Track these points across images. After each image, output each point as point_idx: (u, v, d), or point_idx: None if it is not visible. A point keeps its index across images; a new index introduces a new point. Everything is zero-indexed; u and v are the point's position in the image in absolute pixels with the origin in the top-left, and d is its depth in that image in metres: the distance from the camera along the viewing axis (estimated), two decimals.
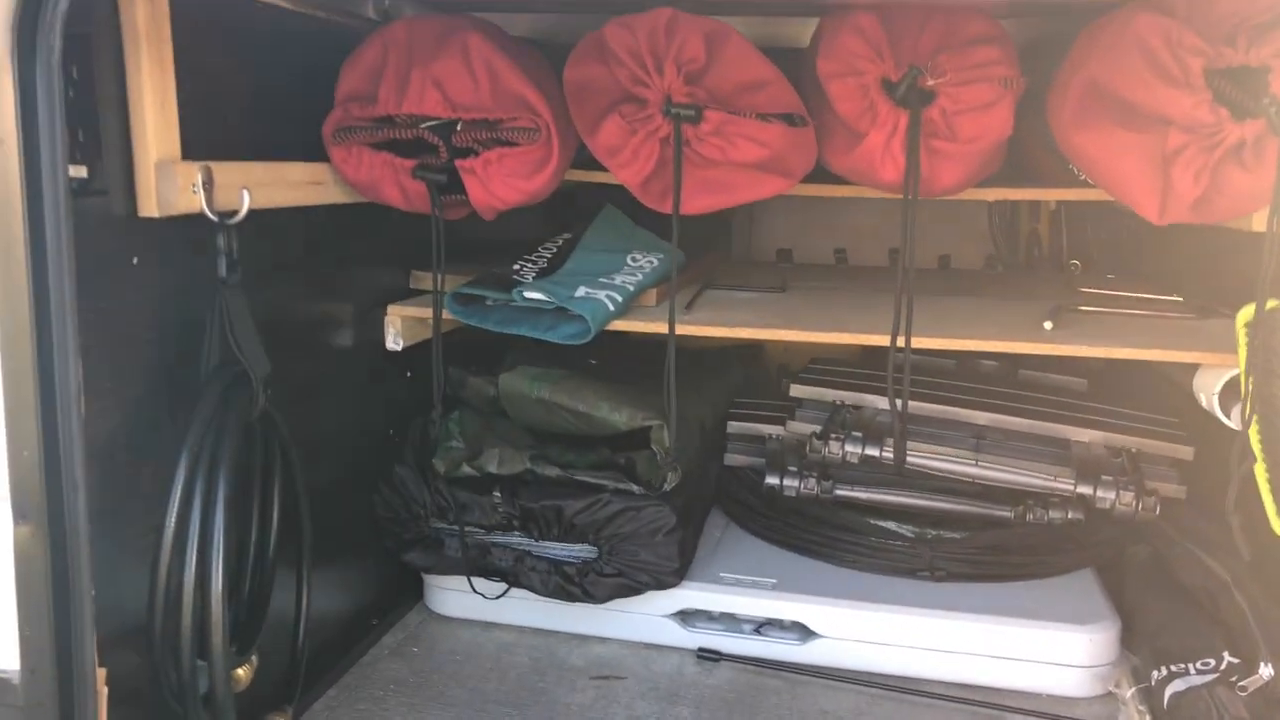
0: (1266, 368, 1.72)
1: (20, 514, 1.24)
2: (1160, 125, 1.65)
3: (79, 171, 1.45)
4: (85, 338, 1.39)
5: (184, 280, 1.67)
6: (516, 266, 2.40)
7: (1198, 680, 1.86)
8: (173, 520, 1.51)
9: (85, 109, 1.47)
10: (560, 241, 2.58)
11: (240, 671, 1.73)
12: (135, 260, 1.59)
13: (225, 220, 1.64)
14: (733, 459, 2.73)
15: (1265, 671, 1.76)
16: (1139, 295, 2.57)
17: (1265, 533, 1.81)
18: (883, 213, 3.24)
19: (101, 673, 1.34)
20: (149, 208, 1.57)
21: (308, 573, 1.95)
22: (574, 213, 2.75)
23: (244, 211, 1.66)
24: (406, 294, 2.43)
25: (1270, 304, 1.71)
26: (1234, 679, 1.81)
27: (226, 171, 1.67)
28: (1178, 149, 1.63)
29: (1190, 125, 1.60)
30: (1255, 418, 1.78)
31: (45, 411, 1.25)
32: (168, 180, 1.57)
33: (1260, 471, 1.80)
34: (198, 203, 1.60)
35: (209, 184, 1.62)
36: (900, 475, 2.45)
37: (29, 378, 1.23)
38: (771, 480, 2.50)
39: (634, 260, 2.49)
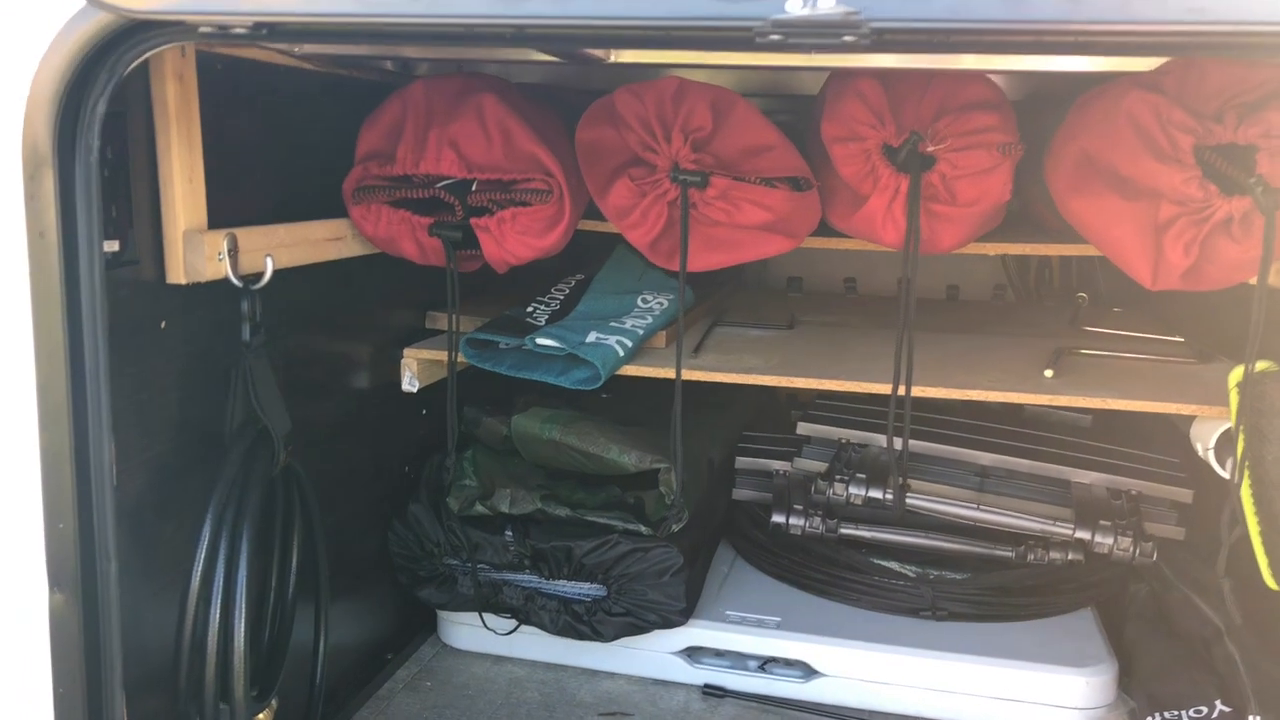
0: (1256, 429, 1.77)
1: (56, 583, 1.31)
2: (1153, 197, 1.69)
3: (111, 246, 1.52)
4: (117, 402, 1.47)
5: (210, 341, 1.74)
6: (530, 308, 2.47)
7: None
8: (198, 576, 1.59)
9: (118, 186, 1.54)
10: (573, 282, 2.65)
11: (261, 716, 1.80)
12: (164, 324, 1.66)
13: (250, 285, 1.72)
14: (741, 494, 2.79)
15: None
16: (1141, 335, 2.61)
17: (1259, 584, 1.86)
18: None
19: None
20: (176, 275, 1.64)
21: (325, 615, 2.02)
22: (589, 248, 2.81)
23: (268, 276, 1.73)
24: (423, 333, 2.50)
25: (1259, 366, 1.75)
26: None
27: (251, 237, 1.74)
28: (1169, 220, 1.68)
29: (1181, 199, 1.65)
30: (1247, 477, 1.83)
31: (80, 486, 1.32)
32: (195, 249, 1.64)
33: (1253, 527, 1.85)
34: (223, 269, 1.68)
35: (234, 251, 1.69)
36: (905, 514, 2.51)
37: (65, 456, 1.30)
38: (778, 518, 2.56)
39: (644, 302, 2.55)
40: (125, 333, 1.56)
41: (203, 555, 1.60)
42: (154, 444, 1.66)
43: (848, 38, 0.97)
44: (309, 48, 1.84)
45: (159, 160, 1.60)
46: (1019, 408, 2.93)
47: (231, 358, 1.74)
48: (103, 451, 1.33)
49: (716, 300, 3.09)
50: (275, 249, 1.80)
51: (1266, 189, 1.58)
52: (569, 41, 1.54)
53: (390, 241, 2.06)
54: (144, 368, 1.63)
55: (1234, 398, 1.82)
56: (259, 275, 1.74)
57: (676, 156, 1.88)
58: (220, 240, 1.67)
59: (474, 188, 2.01)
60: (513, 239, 2.01)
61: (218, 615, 1.60)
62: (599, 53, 1.92)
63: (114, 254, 1.53)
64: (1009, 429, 2.71)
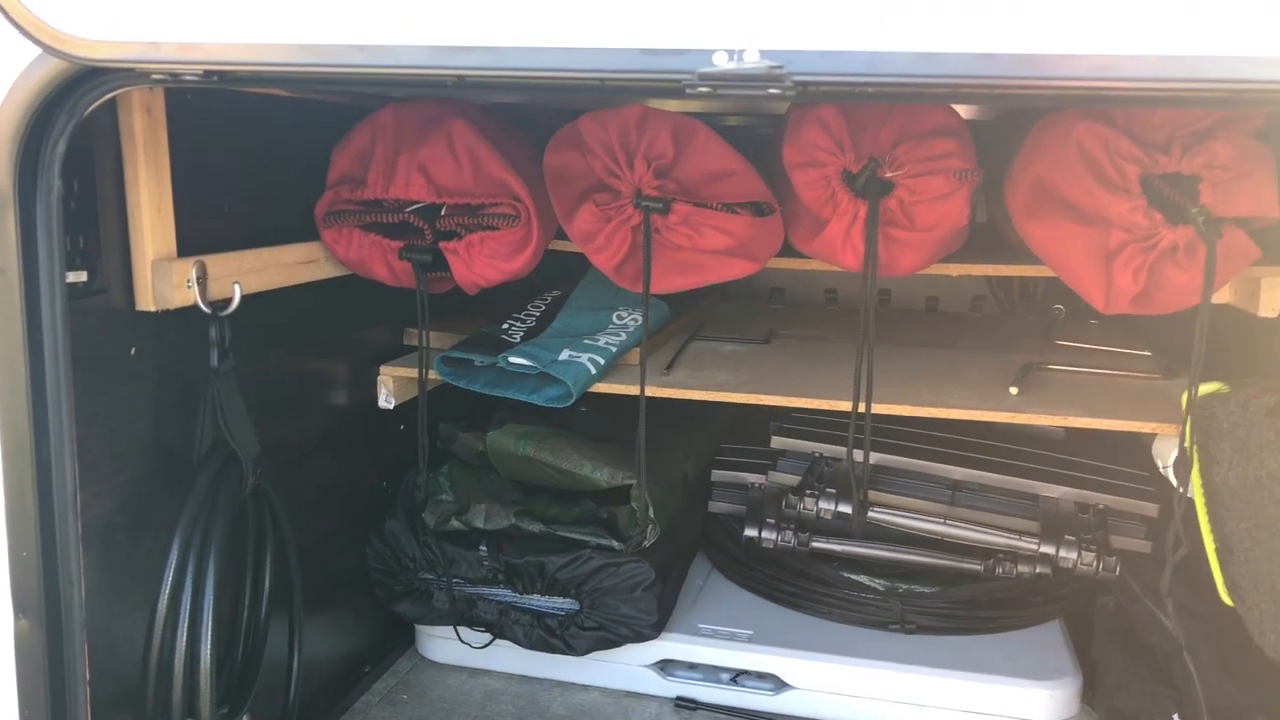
0: (1206, 450, 1.80)
1: (20, 609, 1.35)
2: (1103, 224, 1.73)
3: (79, 276, 1.56)
4: (85, 428, 1.51)
5: (180, 366, 1.78)
6: (506, 325, 2.50)
7: None
8: (165, 596, 1.62)
9: (86, 217, 1.58)
10: (549, 299, 2.69)
11: None
12: (133, 351, 1.70)
13: (218, 312, 1.75)
14: (717, 506, 2.82)
15: None
16: (1109, 350, 2.65)
17: (1216, 601, 1.89)
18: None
19: None
20: (145, 303, 1.68)
21: (299, 632, 2.05)
22: (569, 264, 2.85)
23: (236, 303, 1.77)
24: (399, 350, 2.53)
25: (1211, 388, 1.79)
26: None
27: (220, 263, 1.78)
28: (1118, 247, 1.71)
29: (1128, 227, 1.68)
30: (1203, 497, 1.86)
31: (44, 514, 1.36)
32: (163, 277, 1.67)
33: (1209, 544, 1.88)
34: (192, 296, 1.71)
35: (203, 278, 1.73)
36: (875, 527, 2.55)
37: (28, 485, 1.34)
38: (750, 532, 2.59)
39: (619, 318, 2.59)
40: (95, 359, 1.60)
41: (170, 576, 1.63)
42: (125, 468, 1.70)
43: (772, 90, 1.01)
44: None
45: (127, 191, 1.64)
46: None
47: (202, 382, 1.78)
48: (65, 479, 1.37)
49: (697, 313, 3.13)
50: (245, 274, 1.83)
51: (1208, 219, 1.61)
52: (508, 90, 1.58)
53: (362, 264, 2.10)
54: (115, 393, 1.66)
55: (1187, 420, 1.85)
56: (228, 301, 1.78)
57: (639, 183, 1.92)
58: (189, 268, 1.70)
59: (443, 212, 2.05)
60: (481, 262, 2.04)
61: (185, 635, 1.64)
62: None
63: (82, 284, 1.57)
64: (981, 443, 2.74)
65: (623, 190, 1.94)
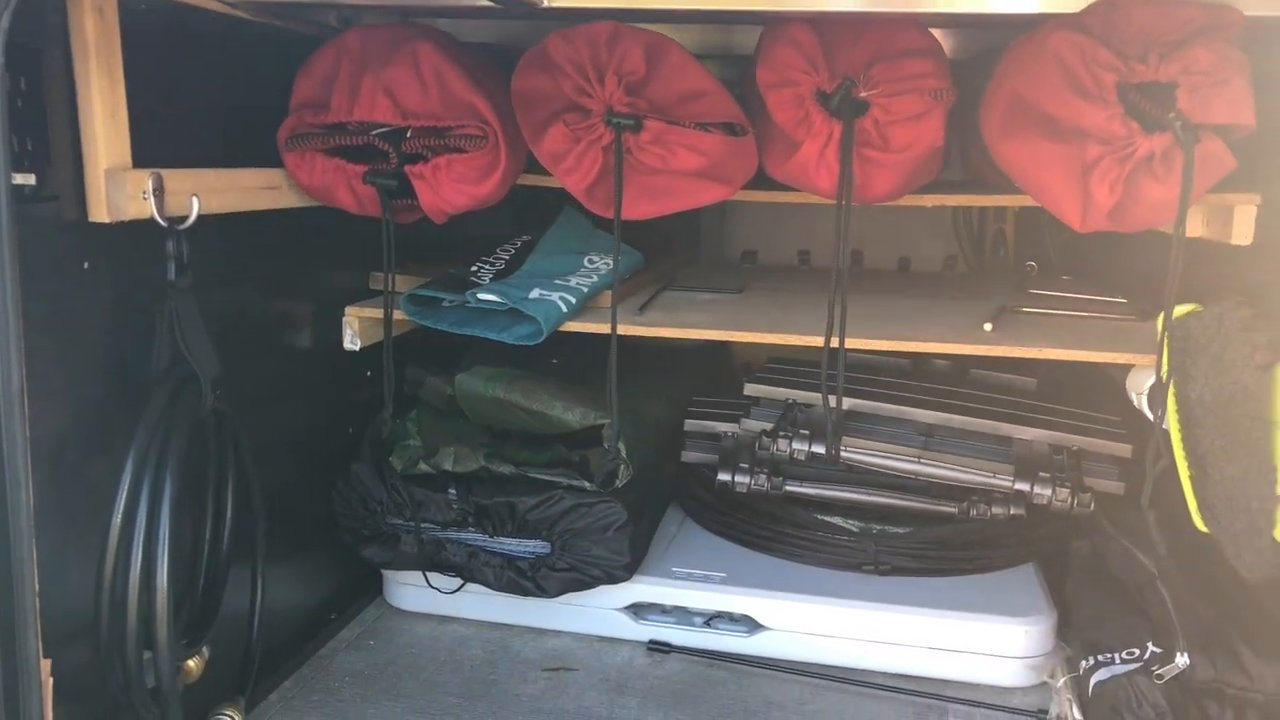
0: (1182, 369, 1.79)
1: None
2: (1079, 137, 1.71)
3: (27, 179, 1.50)
4: (35, 339, 1.45)
5: (137, 283, 1.72)
6: (474, 268, 2.45)
7: (1120, 669, 1.93)
8: (119, 517, 1.56)
9: (34, 118, 1.52)
10: (519, 243, 2.64)
11: (191, 663, 1.78)
12: (86, 264, 1.64)
13: (176, 226, 1.69)
14: (689, 456, 2.78)
15: (1181, 660, 1.82)
16: (1084, 297, 2.64)
17: (1189, 528, 1.89)
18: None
19: (46, 664, 1.39)
20: (99, 214, 1.62)
21: (262, 566, 2.00)
22: (539, 215, 2.81)
23: (193, 217, 1.71)
24: (366, 294, 2.48)
25: (1179, 310, 1.78)
26: (1154, 668, 1.87)
27: (178, 178, 1.72)
28: (1095, 160, 1.69)
29: (1105, 138, 1.67)
30: (1177, 418, 1.85)
31: None
32: (117, 187, 1.61)
33: (1183, 470, 1.88)
34: (148, 209, 1.65)
35: (159, 190, 1.66)
36: (849, 471, 2.53)
37: None
38: (724, 476, 2.56)
39: (590, 262, 2.55)
40: (46, 271, 1.54)
41: (124, 495, 1.57)
42: (78, 385, 1.64)
43: None
44: None
45: (79, 94, 1.58)
46: (965, 371, 2.96)
47: (160, 302, 1.72)
48: (10, 376, 1.31)
49: (668, 268, 3.10)
50: (205, 193, 1.77)
51: (1185, 124, 1.60)
52: None
53: (325, 191, 2.04)
54: (67, 306, 1.60)
55: (1163, 341, 1.84)
56: (185, 217, 1.72)
57: (610, 100, 1.88)
58: (144, 179, 1.64)
59: (408, 134, 2.00)
60: (448, 186, 2.00)
61: (140, 558, 1.58)
62: None
63: (31, 188, 1.51)
64: (956, 390, 2.73)
65: (593, 109, 1.90)
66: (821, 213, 3.56)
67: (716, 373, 3.23)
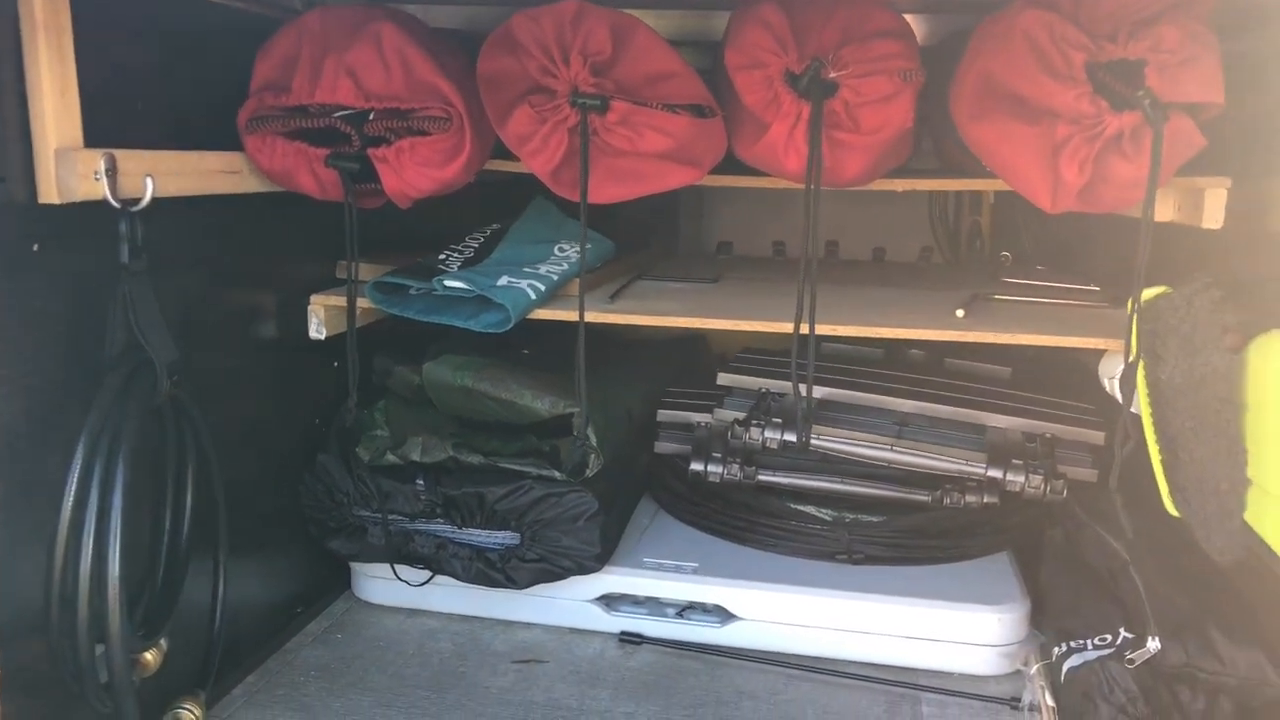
0: (1152, 351, 1.78)
1: None
2: (1049, 117, 1.69)
3: None
4: None
5: (90, 267, 1.68)
6: (442, 256, 2.42)
7: (1093, 655, 1.91)
8: (69, 506, 1.52)
9: None
10: (488, 232, 2.60)
11: (148, 656, 1.74)
12: (36, 247, 1.60)
13: (129, 208, 1.65)
14: (663, 446, 2.76)
15: (1153, 645, 1.81)
16: (1057, 285, 2.64)
17: (1163, 514, 1.87)
18: (822, 206, 3.30)
19: None
20: (49, 195, 1.57)
21: (224, 558, 1.96)
22: (510, 204, 2.78)
23: (147, 198, 1.67)
24: (333, 283, 2.44)
25: (1147, 293, 1.76)
26: (1126, 653, 1.86)
27: (132, 159, 1.67)
28: (1064, 140, 1.68)
29: (1074, 117, 1.65)
30: (1147, 400, 1.84)
31: None
32: (68, 167, 1.57)
33: (1155, 454, 1.86)
34: (100, 190, 1.61)
35: (112, 171, 1.62)
36: (823, 460, 2.51)
37: None
38: (696, 466, 2.54)
39: (561, 251, 2.52)
40: None
41: (74, 483, 1.53)
42: (28, 372, 1.59)
43: None
44: None
45: (27, 72, 1.54)
46: (940, 361, 2.95)
47: (115, 285, 1.68)
48: None
49: (642, 258, 3.07)
50: (161, 175, 1.73)
51: (1154, 102, 1.59)
52: None
53: (286, 175, 2.00)
54: (16, 289, 1.56)
55: (1133, 324, 1.83)
56: (139, 199, 1.68)
57: (576, 80, 1.85)
58: (96, 159, 1.60)
59: (371, 117, 1.96)
60: (412, 170, 1.96)
61: (90, 547, 1.53)
62: None
63: None
64: (930, 378, 2.72)
65: (559, 90, 1.87)
66: (797, 204, 3.54)
67: (693, 365, 3.20)
